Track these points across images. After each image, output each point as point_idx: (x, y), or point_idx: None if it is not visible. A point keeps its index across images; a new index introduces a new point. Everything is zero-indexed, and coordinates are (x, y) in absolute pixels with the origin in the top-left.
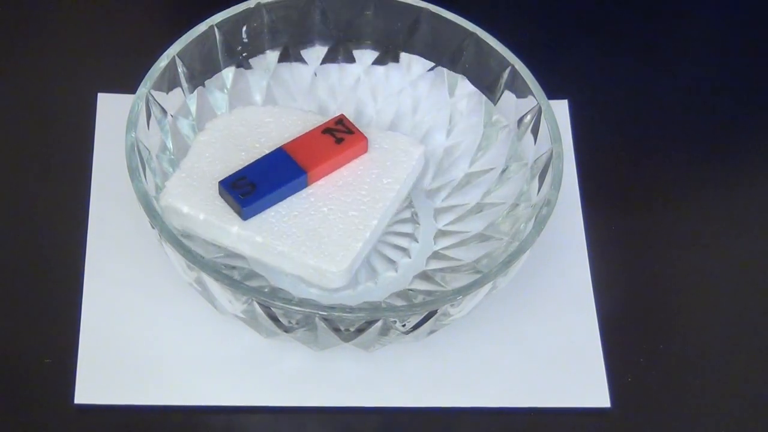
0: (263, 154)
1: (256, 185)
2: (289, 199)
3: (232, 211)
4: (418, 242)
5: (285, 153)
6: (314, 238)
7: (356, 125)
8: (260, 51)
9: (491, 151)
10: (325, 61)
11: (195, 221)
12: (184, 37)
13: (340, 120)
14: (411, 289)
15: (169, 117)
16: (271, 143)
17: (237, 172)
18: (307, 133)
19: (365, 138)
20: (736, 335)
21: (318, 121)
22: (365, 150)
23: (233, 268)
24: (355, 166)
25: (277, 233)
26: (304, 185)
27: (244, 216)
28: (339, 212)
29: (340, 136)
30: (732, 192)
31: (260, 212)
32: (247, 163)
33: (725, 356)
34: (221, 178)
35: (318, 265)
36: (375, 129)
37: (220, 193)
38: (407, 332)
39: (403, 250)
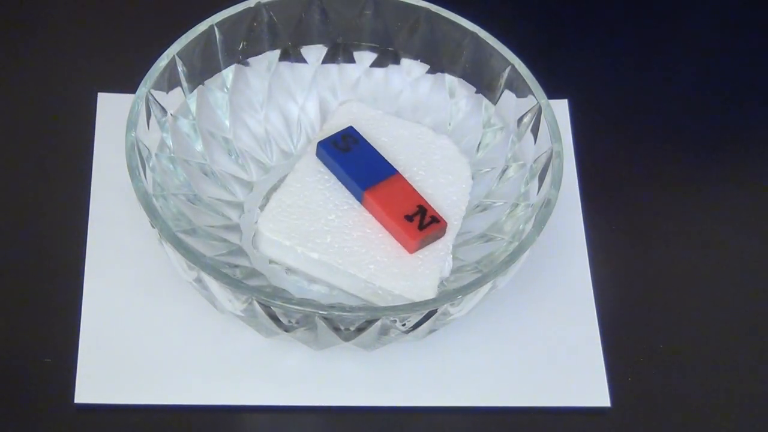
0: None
1: (351, 152)
2: (340, 188)
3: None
4: None
5: (389, 173)
6: (278, 206)
7: (435, 231)
8: (260, 50)
9: (491, 150)
10: (325, 60)
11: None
12: (184, 36)
13: (437, 222)
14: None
15: (170, 116)
16: (411, 162)
17: (365, 139)
18: (415, 190)
19: (416, 244)
20: (736, 335)
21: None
22: (410, 249)
23: (235, 266)
24: (389, 242)
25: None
26: (359, 198)
27: (317, 151)
28: (327, 231)
29: (417, 220)
30: (732, 191)
31: (324, 162)
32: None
33: (725, 356)
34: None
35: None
36: (437, 253)
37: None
38: (407, 331)
39: None
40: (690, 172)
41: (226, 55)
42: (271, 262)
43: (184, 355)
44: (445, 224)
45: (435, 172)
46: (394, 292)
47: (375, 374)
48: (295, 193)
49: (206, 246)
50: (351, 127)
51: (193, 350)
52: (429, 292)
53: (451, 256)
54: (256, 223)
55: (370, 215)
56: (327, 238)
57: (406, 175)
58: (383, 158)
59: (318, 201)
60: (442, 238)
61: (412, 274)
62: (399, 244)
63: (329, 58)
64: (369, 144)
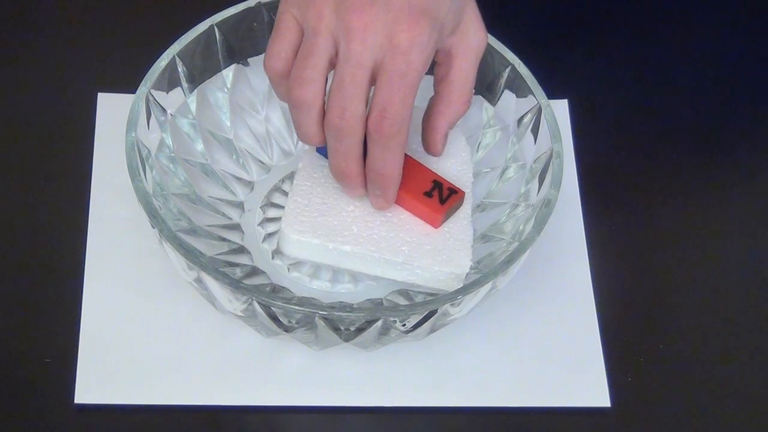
0: None
1: None
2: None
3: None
4: None
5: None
6: (296, 207)
7: (456, 203)
8: (260, 50)
9: (491, 150)
10: None
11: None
12: (184, 36)
13: (456, 193)
14: (411, 289)
15: (170, 116)
16: None
17: None
18: (425, 167)
19: (441, 218)
20: (736, 335)
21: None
22: (435, 224)
23: (236, 265)
24: (412, 221)
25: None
26: None
27: (317, 147)
28: (350, 222)
29: (436, 195)
30: (732, 192)
31: (327, 156)
32: None
33: (725, 356)
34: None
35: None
36: (461, 222)
37: None
38: (407, 332)
39: None
40: (690, 172)
41: (226, 55)
42: (275, 255)
43: (184, 355)
44: (464, 193)
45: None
46: (434, 268)
47: (375, 375)
48: (308, 192)
49: (207, 245)
50: None
51: (193, 350)
52: (465, 261)
53: (471, 224)
54: (259, 224)
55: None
56: (353, 228)
57: None
58: None
59: (332, 195)
60: (462, 208)
61: (445, 247)
62: (422, 222)
63: None
64: None
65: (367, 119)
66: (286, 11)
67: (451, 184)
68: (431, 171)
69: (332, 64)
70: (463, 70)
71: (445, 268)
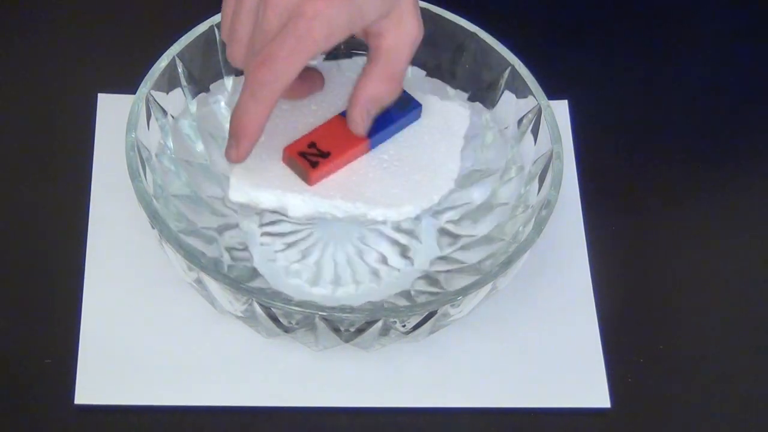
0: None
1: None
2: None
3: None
4: (421, 243)
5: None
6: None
7: (301, 167)
8: None
9: (491, 152)
10: (325, 61)
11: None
12: (184, 37)
13: (311, 167)
14: (412, 290)
15: (170, 117)
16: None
17: (400, 114)
18: (352, 155)
19: (285, 155)
20: (736, 335)
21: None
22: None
23: (236, 265)
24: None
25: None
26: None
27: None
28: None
29: (313, 151)
30: (732, 192)
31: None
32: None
33: (725, 356)
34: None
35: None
36: (279, 182)
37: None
38: (407, 332)
39: (406, 251)
40: (690, 172)
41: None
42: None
43: (184, 355)
44: (313, 178)
45: (424, 153)
46: (235, 168)
47: (375, 375)
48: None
49: (206, 246)
50: (407, 93)
51: (193, 351)
52: (238, 190)
53: (295, 208)
54: (260, 225)
55: (326, 125)
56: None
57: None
58: (382, 135)
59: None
60: (309, 191)
61: (255, 170)
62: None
63: (329, 59)
64: (393, 119)
65: None
66: None
67: (327, 169)
68: (346, 156)
69: None
70: (391, 47)
71: (229, 174)
